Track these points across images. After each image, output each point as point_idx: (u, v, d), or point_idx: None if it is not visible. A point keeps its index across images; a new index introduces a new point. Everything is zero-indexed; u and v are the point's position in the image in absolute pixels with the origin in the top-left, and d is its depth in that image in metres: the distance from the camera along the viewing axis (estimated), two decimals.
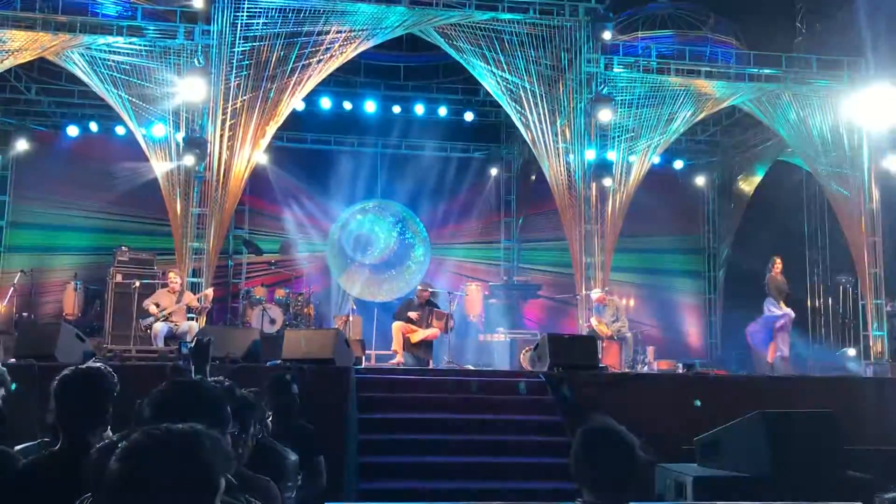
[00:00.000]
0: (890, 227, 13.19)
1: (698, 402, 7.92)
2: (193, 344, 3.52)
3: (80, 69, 11.69)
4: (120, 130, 14.18)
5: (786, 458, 5.41)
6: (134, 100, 11.66)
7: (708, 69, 13.24)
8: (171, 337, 10.41)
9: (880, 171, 13.15)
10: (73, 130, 15.14)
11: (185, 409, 2.03)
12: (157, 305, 10.68)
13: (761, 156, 16.57)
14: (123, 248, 12.80)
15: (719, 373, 11.46)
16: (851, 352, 13.98)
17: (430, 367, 11.02)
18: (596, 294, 12.02)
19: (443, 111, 16.29)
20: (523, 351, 11.43)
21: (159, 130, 11.82)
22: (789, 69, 13.43)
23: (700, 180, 17.81)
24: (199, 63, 11.51)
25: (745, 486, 5.37)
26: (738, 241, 17.21)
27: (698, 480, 5.43)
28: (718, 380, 10.00)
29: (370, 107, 15.64)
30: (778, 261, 12.43)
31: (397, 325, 11.26)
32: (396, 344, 11.17)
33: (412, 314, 11.36)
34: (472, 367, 11.28)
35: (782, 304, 12.20)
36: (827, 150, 13.34)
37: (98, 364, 2.90)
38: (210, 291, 11.16)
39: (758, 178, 16.86)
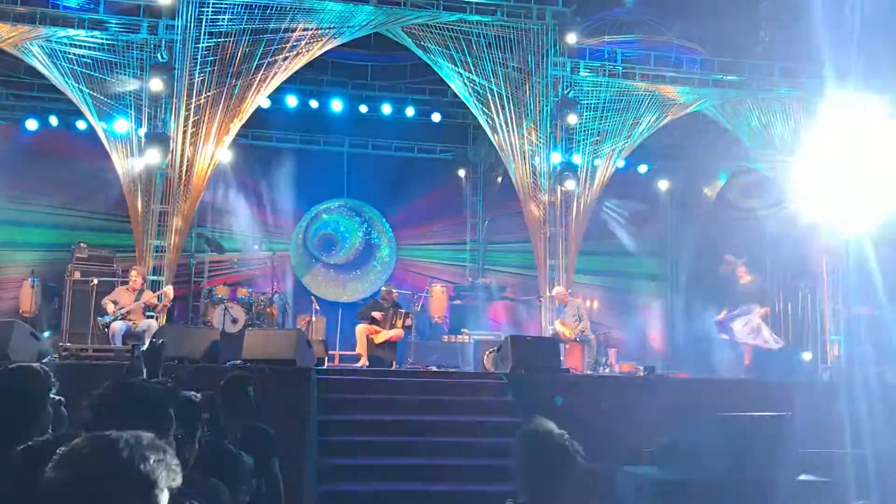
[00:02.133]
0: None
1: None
2: (146, 346, 3.45)
3: (39, 62, 11.45)
4: (81, 125, 13.90)
5: (743, 461, 5.46)
6: (95, 94, 11.45)
7: (673, 74, 13.38)
8: (130, 336, 10.23)
9: None
10: (31, 124, 14.81)
11: (126, 412, 1.97)
12: (116, 303, 10.48)
13: (724, 161, 16.78)
14: (82, 244, 12.57)
15: (680, 375, 11.55)
16: (808, 356, 14.20)
17: (394, 368, 10.98)
18: (558, 290, 12.07)
19: (410, 111, 16.23)
20: (487, 352, 11.43)
21: (121, 126, 11.63)
22: (752, 76, 13.62)
23: (664, 184, 17.98)
24: (163, 58, 11.35)
25: (703, 489, 5.41)
26: (700, 246, 17.41)
27: (657, 483, 5.46)
28: (679, 382, 10.09)
29: (337, 105, 15.54)
30: (740, 263, 12.54)
31: (361, 328, 11.20)
32: (360, 347, 11.12)
33: (376, 314, 11.32)
34: (435, 369, 11.26)
35: (725, 313, 12.27)
36: (788, 157, 13.54)
37: (33, 364, 2.79)
38: (170, 290, 10.99)
39: (720, 183, 17.09)
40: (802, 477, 5.58)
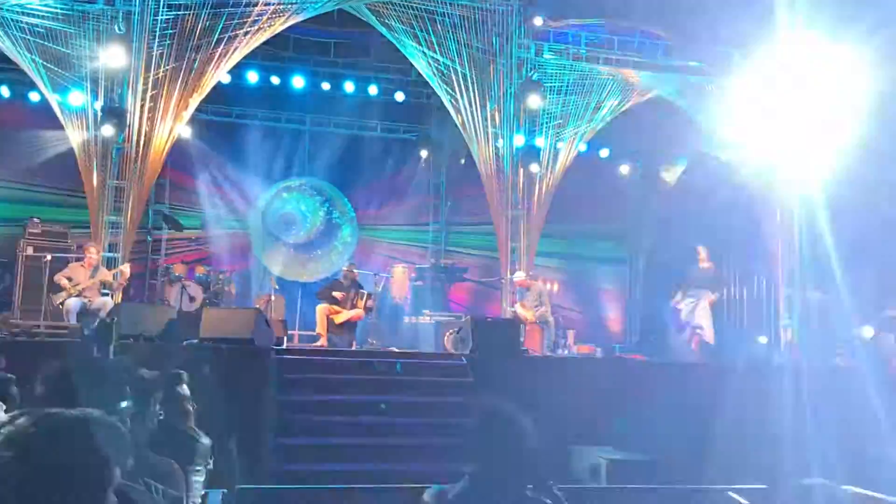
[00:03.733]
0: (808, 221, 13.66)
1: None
2: (96, 325, 3.37)
3: None
4: (34, 97, 13.54)
5: (696, 443, 5.56)
6: (49, 65, 11.14)
7: (636, 59, 13.45)
8: (85, 313, 10.02)
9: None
10: None
11: (78, 388, 1.93)
12: (70, 280, 10.27)
13: (684, 146, 16.96)
14: (35, 219, 12.27)
15: (636, 358, 11.71)
16: (763, 340, 14.49)
17: (354, 348, 10.95)
18: (519, 276, 12.14)
19: (373, 90, 16.08)
20: (447, 333, 11.45)
21: (76, 98, 11.32)
22: (713, 62, 13.75)
23: (625, 169, 18.14)
24: (120, 30, 11.08)
25: (656, 469, 5.50)
26: (659, 230, 17.64)
27: (612, 463, 5.53)
28: (635, 365, 10.22)
29: (298, 82, 15.34)
30: (702, 249, 12.73)
31: (321, 308, 11.14)
32: (320, 327, 11.06)
33: (337, 294, 11.26)
34: (395, 350, 11.26)
35: (680, 297, 12.45)
36: (747, 143, 13.72)
37: None
38: (126, 268, 10.78)
39: (680, 168, 17.29)
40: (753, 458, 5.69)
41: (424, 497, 2.64)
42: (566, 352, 12.54)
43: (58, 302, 10.22)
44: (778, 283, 13.63)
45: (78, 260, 10.75)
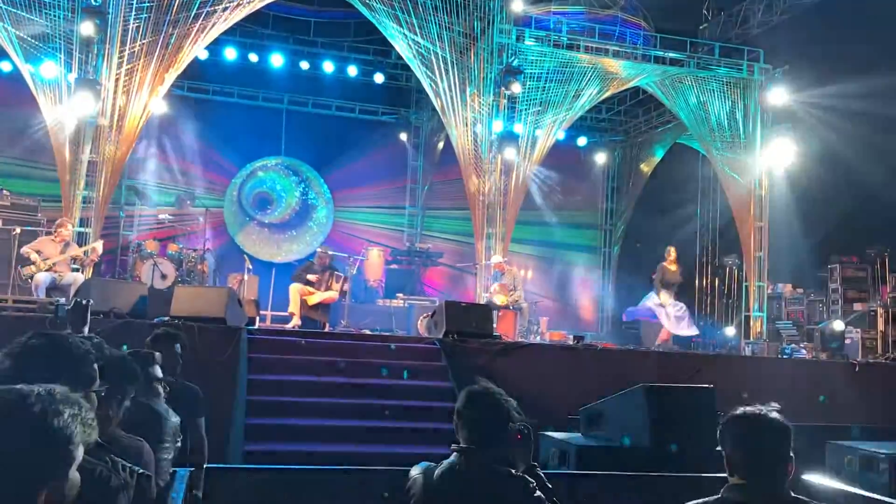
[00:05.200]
0: (777, 212, 13.83)
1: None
2: (71, 304, 3.32)
3: None
4: (5, 67, 13.29)
5: (666, 430, 5.61)
6: (22, 35, 10.92)
7: (616, 48, 13.48)
8: (54, 288, 9.87)
9: (771, 159, 13.76)
10: None
11: (47, 364, 1.90)
12: (39, 253, 10.10)
13: (661, 137, 17.08)
14: (4, 191, 12.04)
15: (607, 345, 11.80)
16: (732, 330, 14.67)
17: (327, 329, 10.92)
18: (496, 260, 12.18)
19: (353, 71, 15.98)
20: (421, 317, 11.46)
21: (49, 70, 11.12)
22: (693, 54, 13.83)
23: (601, 158, 18.21)
24: (96, 1, 10.88)
25: (626, 456, 5.55)
26: (633, 219, 17.77)
27: (581, 449, 5.57)
28: (606, 352, 10.30)
29: (277, 60, 15.20)
30: (672, 251, 12.86)
31: (295, 287, 11.08)
32: (294, 306, 11.00)
33: (311, 277, 11.21)
34: (369, 332, 11.24)
35: (663, 295, 12.61)
36: (723, 136, 13.85)
37: None
38: (99, 245, 10.61)
39: (656, 159, 17.40)
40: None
41: (412, 472, 2.73)
42: (538, 338, 12.60)
43: (26, 275, 10.05)
44: (748, 276, 13.79)
45: (48, 234, 10.58)
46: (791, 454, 2.35)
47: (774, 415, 2.39)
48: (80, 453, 1.48)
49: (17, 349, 1.97)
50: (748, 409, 2.41)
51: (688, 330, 12.66)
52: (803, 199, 13.75)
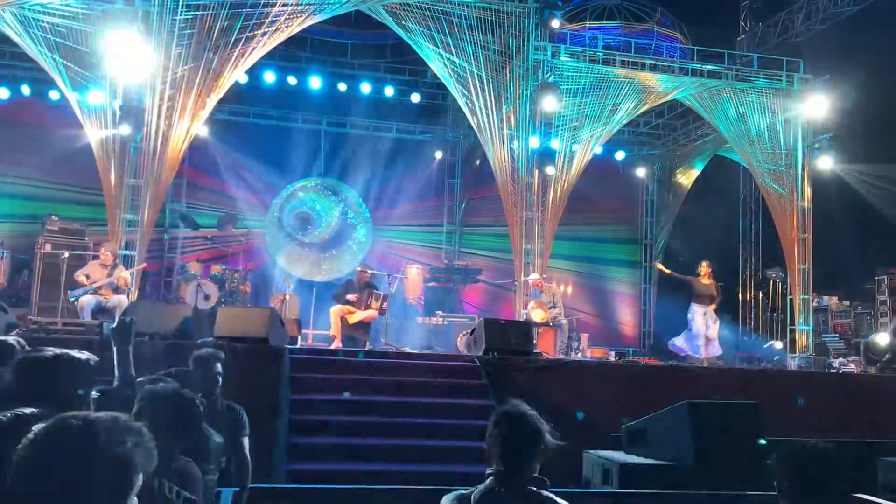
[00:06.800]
0: (822, 224, 13.60)
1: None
2: (115, 324, 3.40)
3: (11, 29, 11.19)
4: (54, 95, 13.69)
5: (709, 448, 5.53)
6: (69, 64, 11.24)
7: (652, 62, 13.43)
8: (100, 310, 10.11)
9: (813, 170, 13.56)
10: (3, 93, 14.58)
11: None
12: (88, 277, 10.36)
13: (700, 150, 16.92)
14: (53, 217, 12.39)
15: (650, 362, 11.68)
16: (778, 345, 14.41)
17: (367, 348, 10.97)
18: (533, 277, 12.14)
19: (389, 91, 16.14)
20: (460, 335, 11.46)
21: (95, 97, 11.42)
22: (731, 66, 13.71)
23: (640, 171, 18.09)
24: (139, 29, 11.16)
25: (669, 475, 5.48)
26: (674, 233, 17.59)
27: (624, 467, 5.51)
28: (648, 369, 10.18)
29: (315, 83, 15.40)
30: (704, 265, 12.67)
31: (335, 310, 11.17)
32: (335, 329, 11.09)
33: (350, 296, 11.30)
34: (409, 350, 11.27)
35: (696, 309, 12.43)
36: (763, 148, 13.67)
37: (8, 338, 2.76)
38: (127, 275, 10.63)
39: (696, 172, 17.24)
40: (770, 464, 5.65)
41: (443, 502, 2.69)
42: (579, 355, 12.52)
43: (73, 299, 10.30)
44: (792, 289, 13.55)
45: (96, 258, 10.84)
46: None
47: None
48: (139, 480, 1.52)
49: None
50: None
51: (716, 351, 12.48)
52: (848, 209, 13.50)
